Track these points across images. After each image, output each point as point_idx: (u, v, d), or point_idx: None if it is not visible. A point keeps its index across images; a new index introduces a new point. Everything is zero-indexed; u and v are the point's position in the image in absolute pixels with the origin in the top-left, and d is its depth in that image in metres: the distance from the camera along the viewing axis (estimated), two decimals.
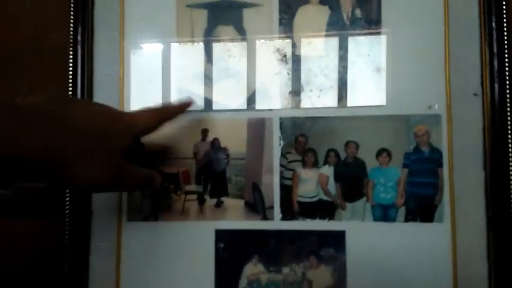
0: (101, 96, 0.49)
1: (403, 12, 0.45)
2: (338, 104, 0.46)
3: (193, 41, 0.48)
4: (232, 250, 0.46)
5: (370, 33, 0.45)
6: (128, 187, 0.43)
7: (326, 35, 0.46)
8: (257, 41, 0.47)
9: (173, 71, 0.48)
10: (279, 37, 0.47)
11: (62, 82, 0.49)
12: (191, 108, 0.45)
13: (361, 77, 0.45)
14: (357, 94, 0.45)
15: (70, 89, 0.48)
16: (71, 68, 0.48)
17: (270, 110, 0.46)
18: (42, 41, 0.54)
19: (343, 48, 0.46)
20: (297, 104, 0.46)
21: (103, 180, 0.36)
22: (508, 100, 0.42)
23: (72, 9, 0.49)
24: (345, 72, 0.46)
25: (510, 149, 0.42)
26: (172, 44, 0.48)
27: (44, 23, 0.54)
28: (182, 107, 0.45)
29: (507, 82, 0.42)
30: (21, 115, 0.33)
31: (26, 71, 0.54)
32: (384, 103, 0.45)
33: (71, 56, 0.48)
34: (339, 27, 0.46)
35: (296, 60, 0.47)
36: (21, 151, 0.32)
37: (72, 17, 0.49)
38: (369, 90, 0.45)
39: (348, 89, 0.46)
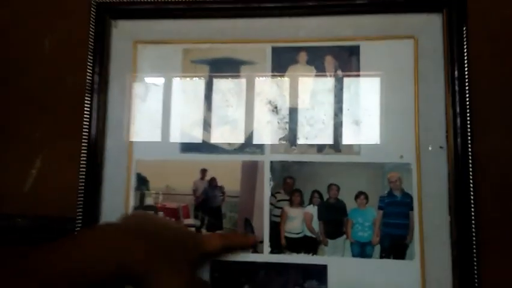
0: (114, 137, 0.53)
1: (379, 74, 0.50)
2: (322, 151, 0.50)
3: (196, 92, 0.53)
4: (225, 280, 0.49)
5: (349, 90, 0.50)
6: None
7: (312, 91, 0.51)
8: (252, 94, 0.52)
9: (177, 118, 0.53)
10: (271, 91, 0.52)
11: (77, 123, 0.54)
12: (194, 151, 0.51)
13: (341, 129, 0.50)
14: (338, 143, 0.50)
15: (86, 130, 0.53)
16: (87, 112, 0.53)
17: (262, 154, 0.51)
18: (59, 84, 0.58)
19: (326, 103, 0.51)
20: (286, 150, 0.51)
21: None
22: (470, 153, 0.47)
23: (91, 56, 0.53)
24: (328, 123, 0.50)
25: (471, 196, 0.46)
26: (177, 94, 0.53)
27: (62, 68, 0.59)
28: (247, 241, 0.49)
29: (468, 137, 0.47)
30: (121, 231, 0.38)
31: (43, 111, 0.58)
32: (361, 152, 0.49)
33: (87, 103, 0.53)
34: (324, 85, 0.51)
35: (286, 111, 0.51)
36: (126, 268, 0.35)
37: (91, 65, 0.53)
38: (348, 140, 0.50)
39: (330, 137, 0.50)
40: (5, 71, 0.60)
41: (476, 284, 0.45)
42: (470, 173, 0.47)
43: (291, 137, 0.51)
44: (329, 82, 0.51)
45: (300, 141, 0.51)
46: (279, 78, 0.52)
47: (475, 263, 0.46)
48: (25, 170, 0.57)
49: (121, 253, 0.35)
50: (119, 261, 0.35)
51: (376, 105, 0.50)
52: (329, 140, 0.50)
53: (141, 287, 0.37)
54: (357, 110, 0.50)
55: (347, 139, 0.50)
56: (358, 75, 0.50)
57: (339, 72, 0.51)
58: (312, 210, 0.50)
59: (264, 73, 0.52)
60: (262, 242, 0.50)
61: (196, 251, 0.41)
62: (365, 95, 0.50)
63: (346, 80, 0.50)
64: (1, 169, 0.58)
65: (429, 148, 0.48)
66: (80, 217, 0.51)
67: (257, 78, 0.52)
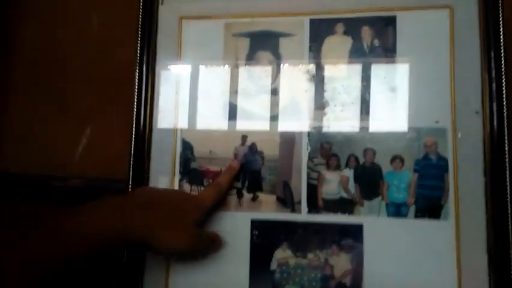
0: (161, 109, 0.55)
1: (415, 42, 0.50)
2: (358, 117, 0.51)
3: (237, 64, 0.54)
4: (264, 237, 0.50)
5: (386, 59, 0.51)
6: (201, 250, 0.49)
7: (349, 60, 0.52)
8: (290, 64, 0.53)
9: (219, 87, 0.54)
10: (309, 61, 0.53)
11: (126, 93, 0.56)
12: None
13: (378, 96, 0.51)
14: (374, 109, 0.50)
15: (136, 102, 0.55)
16: (137, 84, 0.55)
17: (300, 121, 0.52)
18: (109, 59, 0.61)
19: (363, 71, 0.51)
20: (322, 117, 0.52)
21: (181, 246, 0.44)
22: (505, 117, 0.46)
23: (140, 32, 0.56)
24: (365, 91, 0.51)
25: (506, 159, 0.46)
26: (219, 66, 0.55)
27: (110, 43, 0.61)
28: (231, 172, 0.51)
29: (504, 102, 0.47)
30: (135, 202, 0.44)
31: (94, 84, 0.61)
32: (397, 117, 0.50)
33: (137, 74, 0.55)
34: (360, 54, 0.51)
35: (323, 80, 0.52)
36: (132, 233, 0.42)
37: (139, 40, 0.56)
38: (385, 107, 0.50)
39: (367, 104, 0.51)
40: (54, 47, 0.63)
41: (511, 243, 0.45)
42: (506, 138, 0.46)
43: (327, 104, 0.52)
44: (365, 51, 0.51)
45: (337, 108, 0.51)
46: (316, 48, 0.52)
47: (510, 223, 0.45)
48: (79, 136, 0.61)
49: (124, 221, 0.41)
50: (122, 228, 0.41)
51: (412, 72, 0.50)
52: (365, 106, 0.51)
53: (147, 248, 0.44)
54: (393, 78, 0.50)
55: (383, 105, 0.50)
56: (395, 43, 0.50)
57: (376, 42, 0.51)
58: (348, 173, 0.50)
59: (301, 44, 0.53)
60: (300, 202, 0.51)
61: (197, 210, 0.46)
62: (401, 63, 0.50)
63: (382, 49, 0.51)
64: (57, 136, 0.61)
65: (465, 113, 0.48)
66: (130, 179, 0.53)
67: (295, 49, 0.53)
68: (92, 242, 0.39)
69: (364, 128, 0.50)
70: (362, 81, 0.51)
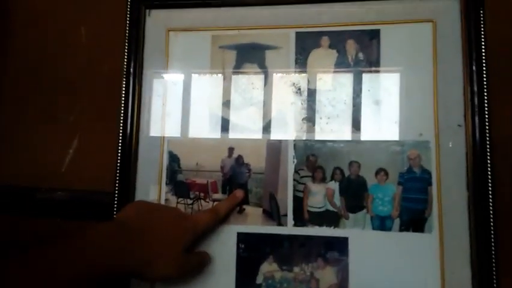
0: (147, 118, 0.55)
1: (398, 56, 0.50)
2: (343, 129, 0.51)
3: (224, 77, 0.54)
4: (251, 250, 0.50)
5: (370, 72, 0.51)
6: (190, 274, 0.49)
7: (334, 73, 0.52)
8: (276, 76, 0.53)
9: (205, 100, 0.54)
10: (295, 73, 0.53)
11: (113, 106, 0.56)
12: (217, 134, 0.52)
13: (363, 108, 0.51)
14: (359, 122, 0.51)
15: (122, 114, 0.55)
16: (123, 95, 0.55)
17: (286, 133, 0.52)
18: (97, 70, 0.61)
19: (347, 84, 0.52)
20: (308, 129, 0.52)
21: (171, 274, 0.43)
22: (487, 130, 0.47)
23: (127, 44, 0.56)
24: (349, 103, 0.51)
25: (489, 173, 0.46)
26: (205, 78, 0.55)
27: (98, 56, 0.61)
28: (234, 201, 0.50)
29: (486, 116, 0.47)
30: (123, 230, 0.41)
31: (81, 96, 0.61)
32: (381, 130, 0.50)
33: (123, 85, 0.55)
34: (345, 67, 0.52)
35: (309, 92, 0.52)
36: (123, 262, 0.39)
37: (126, 51, 0.56)
38: (369, 119, 0.50)
39: (351, 117, 0.51)
40: (43, 58, 0.62)
41: (493, 256, 0.45)
42: (488, 151, 0.47)
43: (313, 117, 0.52)
44: (350, 64, 0.52)
45: (323, 120, 0.51)
46: (302, 61, 0.53)
47: (492, 236, 0.46)
48: (65, 148, 0.60)
49: (117, 254, 0.39)
50: (115, 261, 0.38)
51: (396, 85, 0.50)
52: (350, 119, 0.51)
53: (135, 277, 0.42)
54: (378, 91, 0.51)
55: (367, 118, 0.50)
56: (378, 57, 0.51)
57: (360, 55, 0.51)
58: (334, 186, 0.50)
59: (287, 57, 0.53)
60: (286, 215, 0.51)
61: (189, 234, 0.45)
62: (385, 76, 0.50)
63: (366, 62, 0.51)
64: (43, 148, 0.61)
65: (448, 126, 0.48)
66: (116, 191, 0.53)
67: (281, 61, 0.53)
68: (81, 278, 0.36)
69: (349, 141, 0.50)
70: (347, 94, 0.51)
